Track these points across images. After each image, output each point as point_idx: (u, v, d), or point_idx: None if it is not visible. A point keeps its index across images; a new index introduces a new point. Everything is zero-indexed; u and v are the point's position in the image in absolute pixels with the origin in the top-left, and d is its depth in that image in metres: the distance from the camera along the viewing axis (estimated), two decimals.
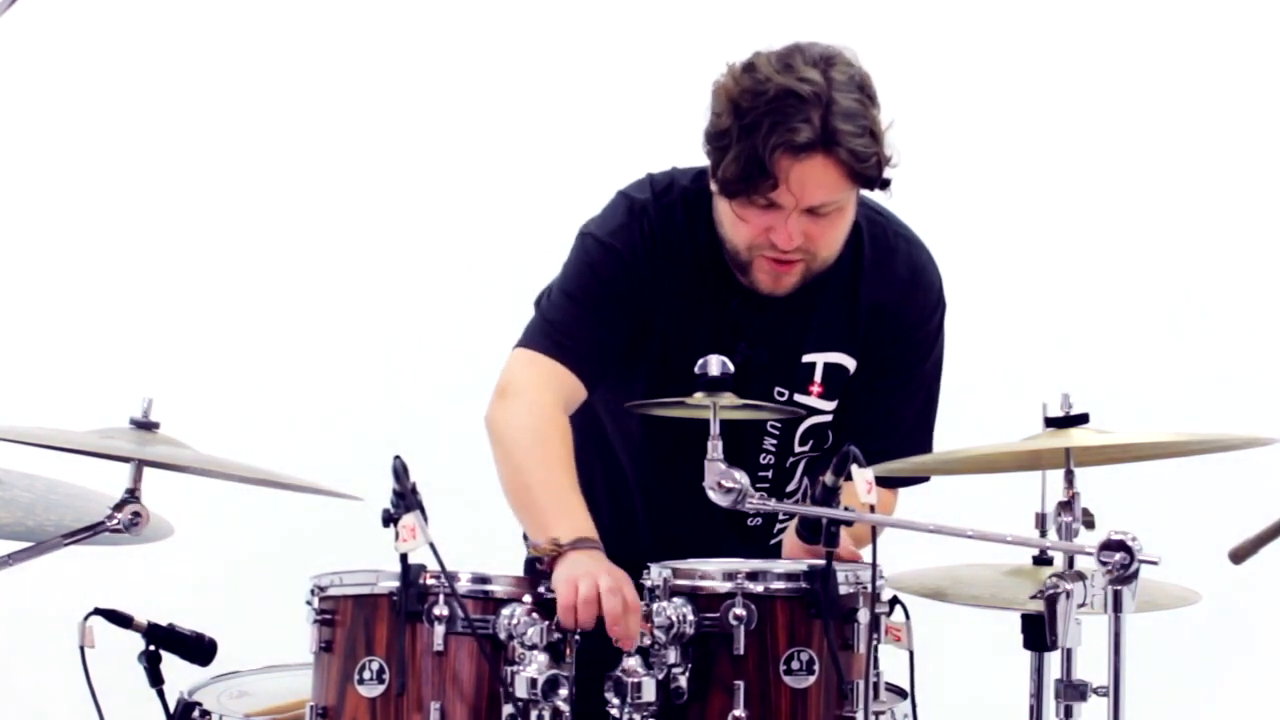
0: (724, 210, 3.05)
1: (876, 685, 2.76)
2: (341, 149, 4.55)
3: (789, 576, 2.69)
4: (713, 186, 3.04)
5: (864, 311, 3.17)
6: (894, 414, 3.20)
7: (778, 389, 3.15)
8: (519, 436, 3.00)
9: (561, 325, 3.09)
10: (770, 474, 3.20)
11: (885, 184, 3.02)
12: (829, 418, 3.19)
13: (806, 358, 3.16)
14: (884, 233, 3.21)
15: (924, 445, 3.22)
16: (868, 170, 2.95)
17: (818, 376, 3.17)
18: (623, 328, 3.11)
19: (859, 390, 3.19)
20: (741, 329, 3.11)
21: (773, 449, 3.19)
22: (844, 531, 2.73)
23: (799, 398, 3.16)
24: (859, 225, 3.16)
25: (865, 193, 3.16)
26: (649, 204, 3.15)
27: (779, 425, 3.18)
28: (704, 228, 3.11)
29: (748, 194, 2.98)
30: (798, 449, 3.21)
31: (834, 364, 3.17)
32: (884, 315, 3.18)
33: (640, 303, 3.11)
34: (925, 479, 3.25)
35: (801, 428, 3.19)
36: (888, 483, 3.17)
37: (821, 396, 3.17)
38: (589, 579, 2.68)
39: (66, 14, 4.43)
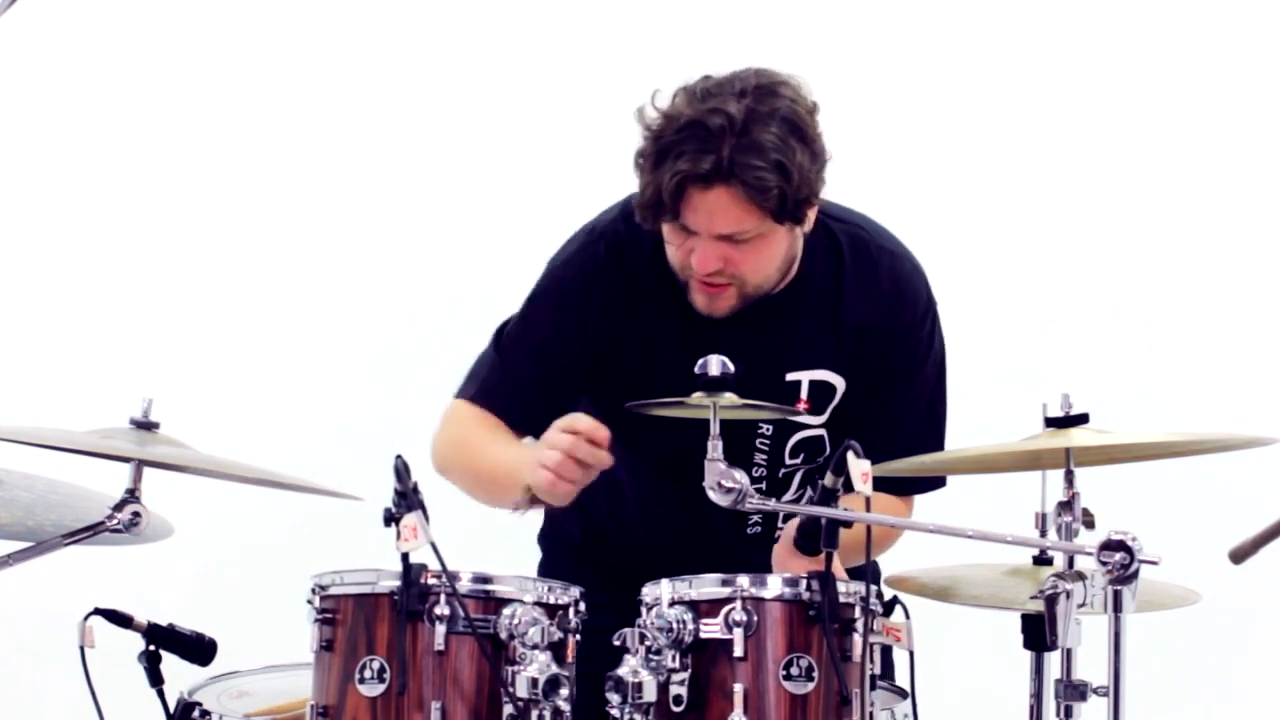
0: (664, 238, 3.07)
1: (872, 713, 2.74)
2: (341, 150, 4.55)
3: (789, 582, 2.68)
4: None
5: (848, 330, 3.16)
6: (898, 424, 3.17)
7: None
8: (453, 441, 3.18)
9: (496, 373, 3.19)
10: (764, 485, 3.18)
11: (798, 219, 3.00)
12: (820, 431, 3.18)
13: (790, 376, 3.15)
14: (866, 248, 3.19)
15: (935, 447, 3.18)
16: (768, 203, 2.93)
17: (803, 394, 3.15)
18: (566, 360, 3.15)
19: (858, 409, 3.17)
20: (716, 342, 2.98)
21: (764, 462, 3.18)
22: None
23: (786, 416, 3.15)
24: (839, 242, 3.16)
25: (848, 205, 3.19)
26: (612, 224, 3.16)
27: (768, 440, 3.17)
28: None
29: (656, 221, 3.01)
30: (789, 461, 3.19)
31: (820, 381, 3.16)
32: (870, 333, 3.16)
33: (590, 330, 3.14)
34: (941, 483, 3.24)
35: (791, 441, 3.17)
36: (901, 489, 3.17)
37: (808, 412, 3.15)
38: (543, 454, 2.84)
39: (66, 14, 4.43)
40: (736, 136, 2.91)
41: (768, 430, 3.15)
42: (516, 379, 3.15)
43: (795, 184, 2.93)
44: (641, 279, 3.13)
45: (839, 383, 3.16)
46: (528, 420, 3.09)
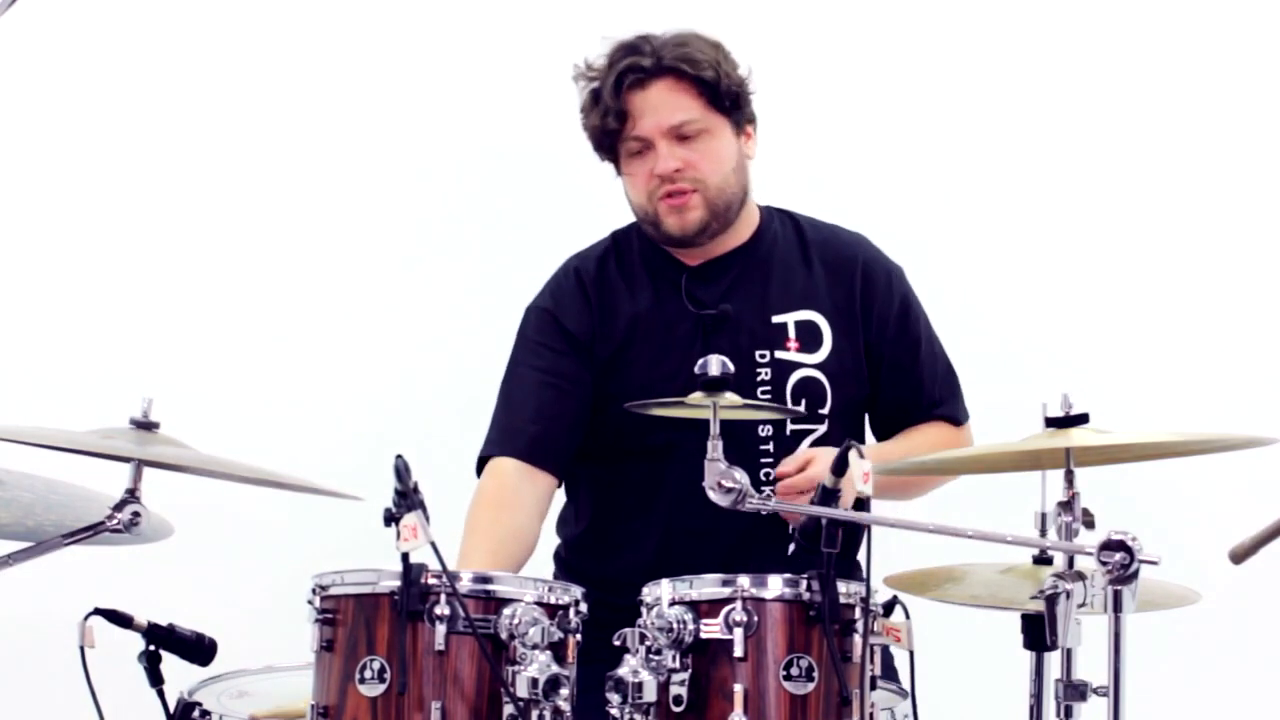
0: (625, 185, 3.32)
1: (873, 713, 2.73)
2: (341, 150, 4.54)
3: (789, 582, 2.68)
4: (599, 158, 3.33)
5: (820, 268, 3.37)
6: (926, 372, 3.42)
7: (759, 352, 3.30)
8: (472, 502, 3.27)
9: (498, 420, 3.35)
10: (771, 446, 3.28)
11: (736, 102, 3.26)
12: (817, 373, 3.31)
13: (776, 318, 3.33)
14: (814, 220, 3.44)
15: (956, 379, 3.46)
16: (706, 75, 3.22)
17: (792, 334, 3.32)
18: (560, 380, 3.31)
19: (886, 378, 3.37)
20: (699, 300, 3.31)
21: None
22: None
23: (779, 354, 3.31)
24: (790, 214, 3.42)
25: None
26: (589, 252, 3.40)
27: (770, 387, 3.29)
28: (649, 242, 3.34)
29: (613, 141, 3.26)
30: (792, 407, 3.29)
31: (804, 321, 3.34)
32: (841, 271, 3.37)
33: (580, 342, 3.31)
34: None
35: (791, 382, 3.29)
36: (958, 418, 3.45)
37: (800, 351, 3.32)
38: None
39: (66, 14, 4.43)
40: (661, 44, 3.25)
41: (766, 375, 3.29)
42: (518, 419, 3.31)
43: (726, 72, 3.25)
44: (608, 275, 3.35)
45: (823, 322, 3.34)
46: (540, 453, 3.27)
